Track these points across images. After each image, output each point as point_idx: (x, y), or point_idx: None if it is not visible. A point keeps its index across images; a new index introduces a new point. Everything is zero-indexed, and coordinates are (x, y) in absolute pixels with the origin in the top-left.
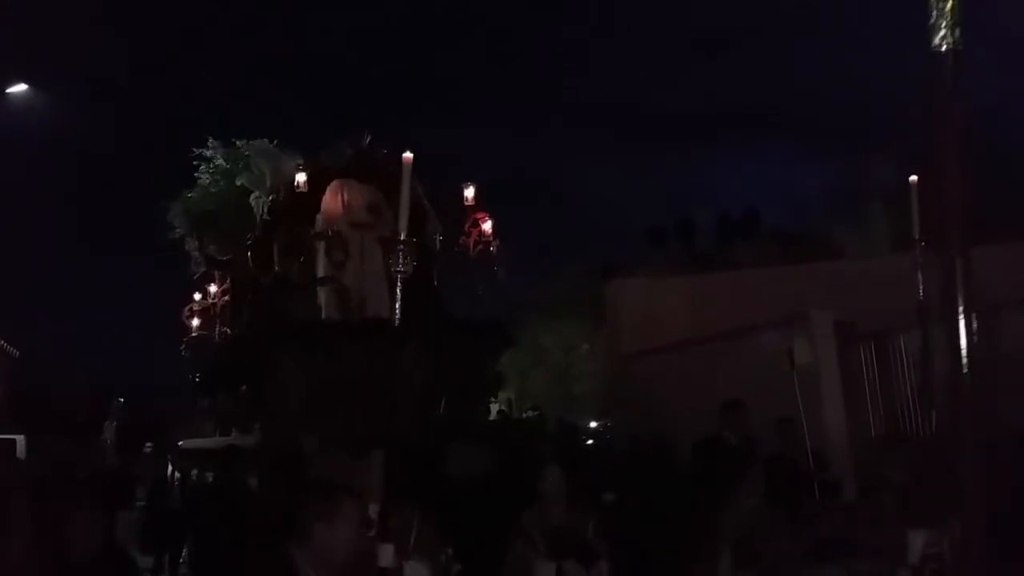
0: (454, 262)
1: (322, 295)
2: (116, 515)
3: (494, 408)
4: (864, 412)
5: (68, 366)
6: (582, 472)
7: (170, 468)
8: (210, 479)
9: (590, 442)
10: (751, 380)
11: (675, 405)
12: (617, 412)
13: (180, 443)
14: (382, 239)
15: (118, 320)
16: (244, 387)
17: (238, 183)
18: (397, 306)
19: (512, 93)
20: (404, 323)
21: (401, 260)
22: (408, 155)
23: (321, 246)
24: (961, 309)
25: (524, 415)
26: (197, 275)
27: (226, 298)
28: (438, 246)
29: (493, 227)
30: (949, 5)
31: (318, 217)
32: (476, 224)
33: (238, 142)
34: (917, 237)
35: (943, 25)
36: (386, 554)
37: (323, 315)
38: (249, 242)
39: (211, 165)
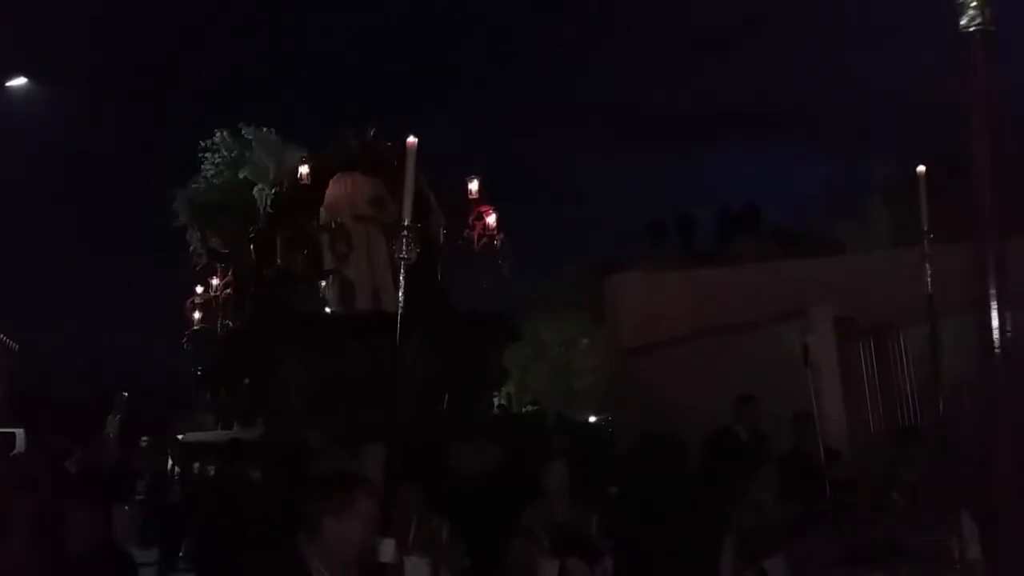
0: (458, 255)
1: (325, 288)
2: (115, 509)
3: (494, 403)
4: (863, 408)
5: (69, 359)
6: (587, 467)
7: (170, 462)
8: (211, 473)
9: (592, 437)
10: (752, 375)
11: (675, 400)
12: (617, 407)
13: (180, 436)
14: (387, 228)
15: (118, 315)
16: (246, 380)
17: (241, 176)
18: (401, 294)
19: (512, 91)
20: (407, 316)
21: (404, 247)
22: (412, 139)
23: (325, 239)
24: (994, 301)
25: (524, 409)
26: (199, 266)
27: (228, 291)
28: (442, 239)
29: (497, 220)
30: None
31: (321, 210)
32: (480, 217)
33: (243, 129)
34: (925, 228)
35: (972, 5)
36: (387, 549)
37: (328, 308)
38: (252, 234)
39: (216, 155)
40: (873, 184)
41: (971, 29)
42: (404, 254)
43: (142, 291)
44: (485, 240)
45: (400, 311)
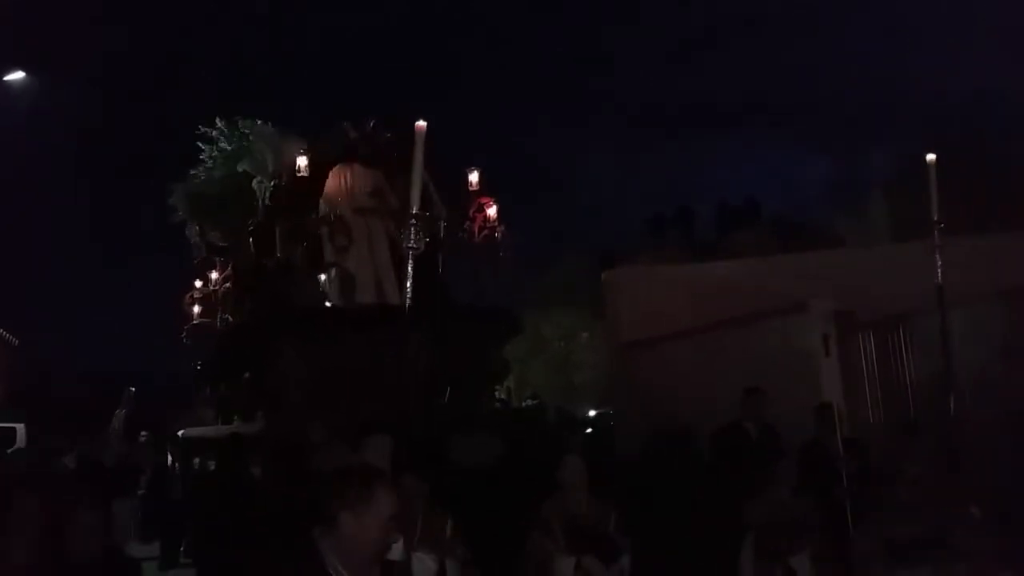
0: (459, 248)
1: (326, 281)
2: (116, 504)
3: (496, 397)
4: (863, 401)
5: (68, 358)
6: (602, 462)
7: (170, 457)
8: (212, 467)
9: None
10: (753, 369)
11: (676, 394)
12: (618, 401)
13: (180, 431)
14: (387, 219)
15: (118, 313)
16: (246, 374)
17: (240, 169)
18: (410, 284)
19: (513, 85)
20: (408, 309)
21: (412, 235)
22: (421, 123)
23: (324, 231)
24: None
25: (524, 404)
26: (197, 260)
27: (227, 285)
28: (443, 232)
29: (498, 212)
30: None
31: (321, 202)
32: (481, 209)
33: (241, 122)
34: (936, 218)
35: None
36: (395, 547)
37: (328, 301)
38: (251, 228)
39: (215, 148)
40: (873, 178)
41: None
42: (413, 243)
43: (142, 287)
44: (486, 232)
45: (408, 302)
